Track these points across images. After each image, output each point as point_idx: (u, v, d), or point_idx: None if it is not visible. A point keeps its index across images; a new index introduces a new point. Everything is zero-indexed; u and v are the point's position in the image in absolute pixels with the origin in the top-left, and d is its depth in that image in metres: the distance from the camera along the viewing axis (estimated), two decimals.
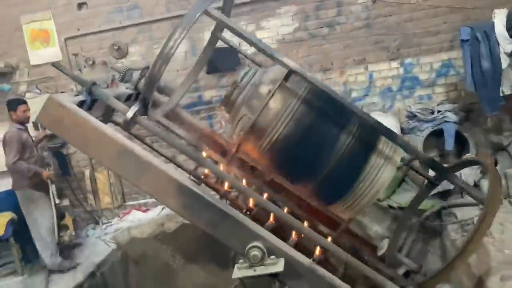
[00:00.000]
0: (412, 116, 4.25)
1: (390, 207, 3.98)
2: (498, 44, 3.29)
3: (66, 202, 4.73)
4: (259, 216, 2.73)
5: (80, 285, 3.51)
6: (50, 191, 3.98)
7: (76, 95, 2.52)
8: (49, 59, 4.72)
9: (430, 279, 2.43)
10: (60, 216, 4.58)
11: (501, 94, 3.55)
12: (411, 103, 4.42)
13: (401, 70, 4.42)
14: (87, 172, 5.03)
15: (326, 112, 2.35)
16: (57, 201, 4.65)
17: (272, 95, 2.28)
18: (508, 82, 3.40)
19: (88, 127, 2.15)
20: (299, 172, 2.53)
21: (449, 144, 3.98)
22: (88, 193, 5.06)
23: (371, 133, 2.45)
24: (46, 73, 4.79)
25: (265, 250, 2.10)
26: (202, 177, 2.81)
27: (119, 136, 2.19)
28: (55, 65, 2.52)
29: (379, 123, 2.42)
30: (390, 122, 4.21)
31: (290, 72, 2.25)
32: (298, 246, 2.58)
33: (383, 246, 3.12)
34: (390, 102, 4.48)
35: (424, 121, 4.15)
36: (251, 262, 2.09)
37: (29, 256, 4.27)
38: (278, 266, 2.08)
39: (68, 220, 4.61)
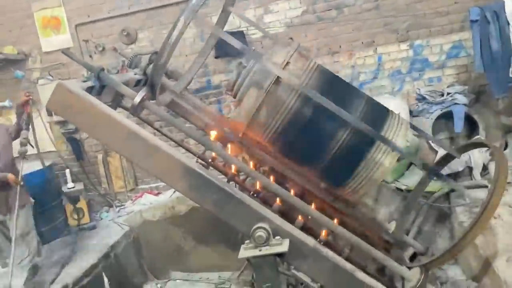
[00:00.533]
0: (421, 98, 4.21)
1: (398, 189, 3.99)
2: (508, 24, 3.23)
3: (80, 186, 4.85)
4: (266, 199, 2.79)
5: (95, 265, 3.63)
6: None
7: (85, 81, 2.57)
8: (60, 46, 4.80)
9: (435, 259, 2.46)
10: (75, 200, 4.73)
11: (510, 76, 3.50)
12: (421, 86, 4.38)
13: (411, 52, 4.37)
14: (100, 157, 5.14)
15: (330, 96, 2.37)
16: (71, 185, 4.81)
17: (270, 87, 2.33)
18: None
19: (96, 112, 2.20)
20: (304, 156, 2.58)
21: (458, 126, 3.94)
22: (101, 177, 5.17)
23: (375, 117, 2.47)
24: (58, 60, 4.87)
25: (270, 231, 2.14)
26: (210, 160, 2.86)
27: (127, 120, 2.24)
28: (64, 51, 2.57)
29: (382, 107, 2.44)
30: (398, 104, 4.18)
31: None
32: (305, 228, 2.65)
33: (390, 228, 3.16)
34: (399, 85, 4.44)
35: (433, 104, 4.11)
36: (257, 242, 2.14)
37: (47, 238, 4.43)
38: (283, 247, 2.13)
39: (82, 204, 4.74)
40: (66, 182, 4.85)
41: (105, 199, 5.13)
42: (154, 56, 3.44)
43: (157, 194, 4.97)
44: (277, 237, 2.14)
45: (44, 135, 4.93)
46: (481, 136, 3.97)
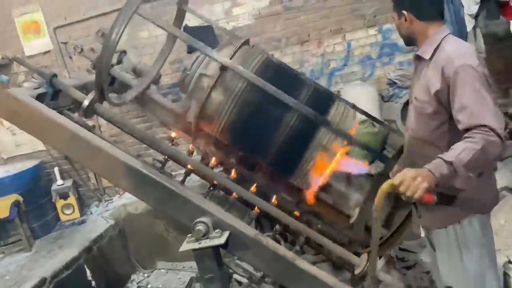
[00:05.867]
0: (392, 83, 4.23)
1: (370, 175, 4.03)
2: (462, 6, 3.21)
3: (69, 183, 5.05)
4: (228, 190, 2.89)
5: (76, 258, 3.81)
6: None
7: (37, 88, 2.69)
8: (41, 49, 4.97)
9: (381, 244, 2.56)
10: (64, 196, 4.94)
11: None
12: (391, 70, 4.39)
13: (379, 37, 4.39)
14: None
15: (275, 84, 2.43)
16: (60, 182, 5.01)
17: (212, 88, 2.42)
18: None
19: (41, 117, 2.33)
20: (255, 147, 2.68)
21: None
22: (89, 172, 5.36)
23: (320, 102, 2.55)
24: (41, 63, 5.01)
25: (209, 225, 2.25)
26: (165, 157, 2.97)
27: (70, 123, 2.37)
28: (15, 59, 2.70)
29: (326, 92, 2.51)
30: (369, 90, 4.21)
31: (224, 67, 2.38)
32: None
33: (355, 214, 3.23)
34: (370, 70, 4.47)
35: (403, 88, 4.13)
36: (197, 236, 2.25)
37: (38, 234, 4.67)
38: (221, 239, 2.24)
39: (71, 200, 4.95)
40: (56, 179, 5.08)
41: (95, 194, 5.32)
42: (123, 55, 3.56)
43: None
44: (217, 230, 2.26)
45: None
46: None
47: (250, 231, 2.36)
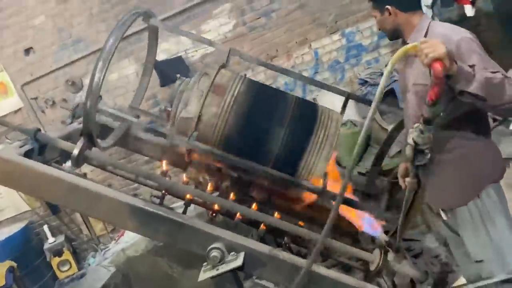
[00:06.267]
0: (363, 82, 4.37)
1: (360, 173, 4.12)
2: None
3: (61, 238, 4.92)
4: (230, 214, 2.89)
5: None
6: None
7: (22, 146, 2.65)
8: (11, 108, 4.91)
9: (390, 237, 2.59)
10: (58, 253, 4.80)
11: None
12: (361, 70, 4.55)
13: (344, 41, 4.54)
14: None
15: (261, 98, 2.48)
16: (52, 239, 4.88)
17: (206, 97, 2.43)
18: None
19: (34, 173, 2.28)
20: (256, 150, 2.68)
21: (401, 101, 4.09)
22: (81, 224, 5.23)
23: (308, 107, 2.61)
24: (13, 122, 4.90)
25: (224, 249, 2.23)
26: (163, 191, 2.95)
27: (66, 174, 2.34)
28: None
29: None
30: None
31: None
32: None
33: None
34: (340, 74, 4.61)
35: (375, 85, 4.27)
36: (213, 262, 2.24)
37: None
38: (238, 261, 2.22)
39: (67, 255, 4.82)
40: (47, 238, 4.93)
41: (89, 245, 5.19)
42: (99, 100, 3.54)
43: None
44: (232, 253, 2.24)
45: (16, 197, 5.01)
46: None
47: (264, 248, 2.36)
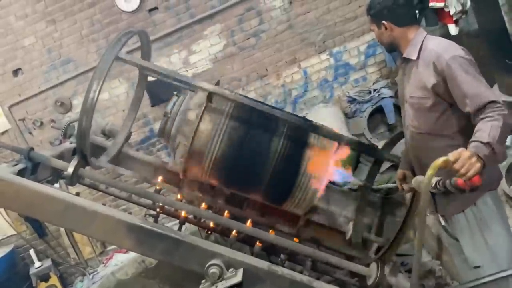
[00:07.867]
0: (352, 100, 4.48)
1: (351, 190, 4.15)
2: None
3: (48, 262, 4.79)
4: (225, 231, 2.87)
5: None
6: None
7: (15, 165, 2.61)
8: None
9: (385, 251, 2.60)
10: (45, 278, 4.66)
11: None
12: (349, 89, 4.66)
13: (332, 60, 4.66)
14: (62, 229, 5.07)
15: (254, 121, 2.51)
16: (38, 264, 4.74)
17: (201, 118, 2.44)
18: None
19: (29, 192, 2.25)
20: (245, 182, 2.70)
21: (391, 117, 4.20)
22: (68, 248, 5.10)
23: (300, 131, 2.63)
24: None
25: (222, 266, 2.21)
26: (158, 210, 2.92)
27: (61, 193, 2.31)
28: None
29: (305, 119, 2.61)
30: (333, 111, 4.42)
31: (211, 94, 2.43)
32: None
33: (350, 229, 3.27)
34: (329, 92, 4.71)
35: (363, 103, 4.37)
36: (212, 279, 2.21)
37: None
38: (237, 277, 2.20)
39: (53, 280, 4.68)
40: (33, 262, 4.79)
41: (77, 269, 5.05)
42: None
43: (126, 252, 4.93)
44: (231, 269, 2.22)
45: (1, 220, 4.88)
46: None
47: (263, 264, 2.34)
